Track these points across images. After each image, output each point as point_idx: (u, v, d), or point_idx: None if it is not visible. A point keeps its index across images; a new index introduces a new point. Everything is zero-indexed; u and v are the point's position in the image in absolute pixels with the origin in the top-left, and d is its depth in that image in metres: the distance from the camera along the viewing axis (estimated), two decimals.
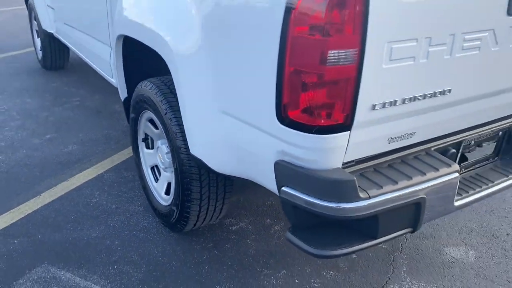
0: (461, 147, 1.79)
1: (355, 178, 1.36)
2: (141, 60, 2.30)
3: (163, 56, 1.87)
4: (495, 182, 1.84)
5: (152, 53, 1.99)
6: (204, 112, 1.75)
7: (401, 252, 2.37)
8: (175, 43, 1.77)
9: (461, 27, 1.44)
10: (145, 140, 2.50)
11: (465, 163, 1.90)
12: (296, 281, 2.15)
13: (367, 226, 1.50)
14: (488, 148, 1.99)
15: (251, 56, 1.47)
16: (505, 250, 2.42)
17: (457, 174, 1.56)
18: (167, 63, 1.85)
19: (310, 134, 1.36)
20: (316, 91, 1.30)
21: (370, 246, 1.52)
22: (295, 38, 1.27)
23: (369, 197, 1.37)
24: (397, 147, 1.56)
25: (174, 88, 1.89)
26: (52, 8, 4.22)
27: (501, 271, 2.26)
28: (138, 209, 2.63)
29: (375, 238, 1.50)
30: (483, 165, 1.98)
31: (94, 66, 3.45)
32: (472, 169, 1.93)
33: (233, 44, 1.55)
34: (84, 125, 3.72)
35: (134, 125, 2.48)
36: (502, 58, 1.64)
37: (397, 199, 1.42)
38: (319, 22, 1.23)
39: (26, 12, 5.40)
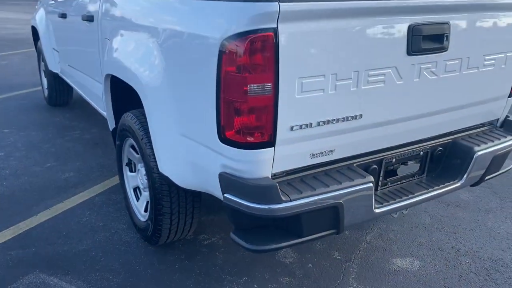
0: (383, 164, 2.13)
1: (277, 184, 1.70)
2: (125, 95, 2.69)
3: (136, 89, 2.26)
4: (415, 194, 2.16)
5: (131, 88, 2.38)
6: (168, 136, 2.12)
7: (352, 262, 2.66)
8: (144, 79, 2.16)
9: (365, 65, 1.81)
10: (128, 164, 2.86)
11: (392, 178, 2.23)
12: (255, 285, 2.45)
13: (293, 226, 1.82)
14: (415, 166, 2.32)
15: (198, 89, 1.84)
16: (447, 260, 2.70)
17: (371, 185, 1.89)
18: (140, 95, 2.24)
19: (243, 150, 1.72)
20: (244, 116, 1.66)
21: (296, 244, 1.84)
22: (226, 75, 1.65)
23: (290, 200, 1.71)
24: (320, 162, 1.90)
25: None
26: (57, 51, 4.70)
27: (439, 278, 2.54)
28: (122, 227, 2.96)
29: (301, 237, 1.83)
30: (410, 180, 2.31)
31: (91, 101, 3.87)
32: (399, 183, 2.26)
33: (185, 79, 1.93)
34: (82, 155, 4.11)
35: (119, 151, 2.85)
36: (409, 90, 2.00)
37: (314, 202, 1.75)
38: (242, 63, 1.60)
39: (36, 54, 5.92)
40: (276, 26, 1.58)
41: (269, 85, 1.62)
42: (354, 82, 1.81)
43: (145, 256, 2.67)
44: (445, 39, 2.01)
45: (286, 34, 1.60)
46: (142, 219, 2.70)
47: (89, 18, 3.19)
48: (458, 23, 2.06)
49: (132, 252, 2.70)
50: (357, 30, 1.77)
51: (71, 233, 2.88)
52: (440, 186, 2.24)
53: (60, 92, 5.36)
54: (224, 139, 1.75)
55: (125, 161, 2.86)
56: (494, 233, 2.98)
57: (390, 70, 1.89)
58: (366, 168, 2.05)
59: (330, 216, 1.84)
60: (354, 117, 1.88)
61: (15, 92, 6.26)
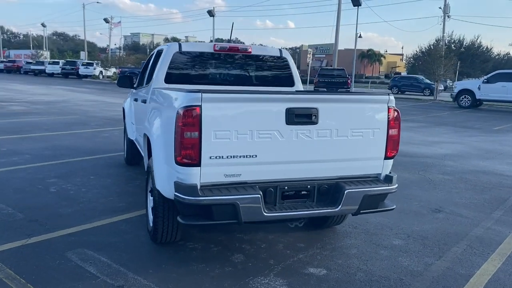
0: (278, 189, 3.50)
1: (197, 185, 3.19)
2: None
3: (149, 138, 3.97)
4: (299, 211, 3.48)
5: None
6: (160, 164, 3.72)
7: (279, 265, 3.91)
8: (152, 131, 3.86)
9: (256, 127, 3.30)
10: (150, 191, 4.48)
11: (288, 199, 3.56)
12: (207, 268, 3.81)
13: (209, 213, 3.26)
14: (306, 194, 3.63)
15: (168, 134, 3.45)
16: (349, 267, 3.83)
17: (258, 196, 3.28)
18: (151, 141, 3.92)
19: (184, 167, 3.25)
20: (184, 149, 3.22)
21: (210, 224, 3.26)
22: (177, 126, 3.25)
23: (204, 196, 3.18)
24: (231, 181, 3.35)
25: None
26: (133, 123, 6.73)
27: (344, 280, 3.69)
28: (143, 233, 4.52)
29: (213, 220, 3.25)
30: (301, 203, 3.60)
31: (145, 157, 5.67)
32: (293, 203, 3.57)
33: (165, 129, 3.57)
34: (135, 195, 5.85)
35: (146, 183, 4.50)
36: (290, 144, 3.42)
37: (219, 200, 3.20)
38: (184, 121, 3.20)
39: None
40: (200, 104, 3.18)
41: (196, 133, 3.19)
42: (249, 136, 3.30)
43: (149, 246, 4.19)
44: (314, 117, 3.44)
45: (206, 108, 3.19)
46: (150, 224, 4.25)
47: (144, 101, 5.08)
48: (326, 107, 3.49)
49: (144, 242, 4.24)
50: (251, 108, 3.31)
51: (112, 232, 4.51)
52: (320, 209, 3.54)
53: (134, 155, 7.35)
54: (176, 162, 3.30)
55: (148, 189, 4.49)
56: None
57: (274, 132, 3.36)
58: (265, 189, 3.45)
59: (231, 210, 3.25)
60: (251, 156, 3.34)
61: (107, 154, 8.44)
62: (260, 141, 3.35)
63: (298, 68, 39.26)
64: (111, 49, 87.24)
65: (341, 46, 51.06)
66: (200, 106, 3.18)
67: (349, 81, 30.99)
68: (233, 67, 5.37)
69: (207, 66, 5.28)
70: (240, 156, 3.33)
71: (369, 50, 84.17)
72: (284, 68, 5.43)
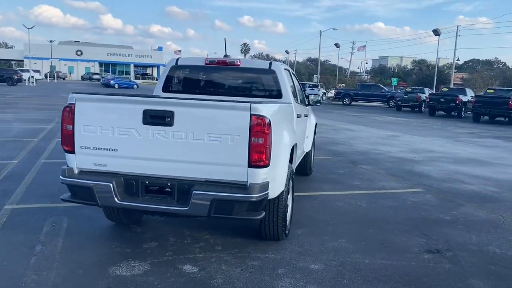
0: (139, 182, 3.86)
1: (73, 168, 3.90)
2: None
3: None
4: (150, 203, 3.77)
5: None
6: None
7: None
8: None
9: (117, 125, 3.79)
10: None
11: (150, 193, 3.87)
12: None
13: (76, 194, 3.92)
14: (168, 191, 3.85)
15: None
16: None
17: (110, 184, 3.75)
18: None
19: (67, 154, 4.01)
20: (63, 138, 3.98)
21: (74, 203, 3.92)
22: (61, 120, 4.04)
23: (72, 178, 3.87)
24: (100, 169, 3.91)
25: None
26: None
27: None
28: None
29: (80, 199, 3.90)
30: (163, 198, 3.85)
31: None
32: (154, 197, 3.86)
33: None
34: None
35: None
36: (147, 142, 3.76)
37: (81, 183, 3.84)
38: (65, 116, 3.97)
39: None
40: (74, 102, 3.90)
41: (70, 126, 3.91)
42: (111, 131, 3.82)
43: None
44: (168, 119, 3.70)
45: (78, 106, 3.88)
46: None
47: None
48: (182, 111, 3.70)
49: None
50: (113, 108, 3.83)
51: None
52: (169, 206, 3.76)
53: None
54: (65, 151, 4.08)
55: None
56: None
57: (132, 130, 3.79)
58: (127, 180, 3.88)
59: (89, 193, 3.83)
60: (112, 149, 3.85)
61: None
62: (120, 137, 3.82)
63: None
64: (359, 73, 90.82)
65: None
66: (74, 104, 3.90)
67: None
68: (224, 79, 5.75)
69: (200, 78, 5.82)
70: (104, 149, 3.87)
71: None
72: (272, 80, 5.46)
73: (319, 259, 4.31)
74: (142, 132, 3.80)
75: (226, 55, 5.75)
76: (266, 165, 3.75)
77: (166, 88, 5.74)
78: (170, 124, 3.74)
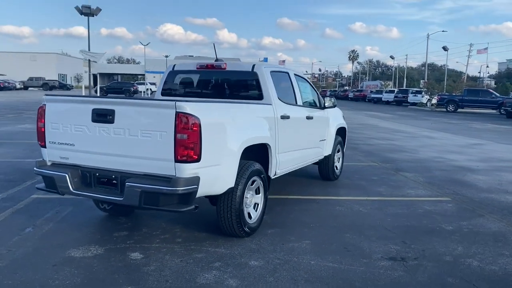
0: (92, 174, 4.28)
1: (46, 160, 4.48)
2: None
3: None
4: (95, 193, 4.18)
5: None
6: None
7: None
8: None
9: (73, 122, 4.28)
10: None
11: (101, 184, 4.27)
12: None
13: (45, 183, 4.49)
14: (116, 183, 4.21)
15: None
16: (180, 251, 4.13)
17: (65, 175, 4.25)
18: None
19: (41, 148, 4.61)
20: (38, 134, 4.59)
21: (46, 191, 4.48)
22: (37, 118, 4.65)
23: (42, 170, 4.46)
24: (64, 162, 4.42)
25: None
26: None
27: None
28: None
29: (48, 188, 4.46)
30: (111, 189, 4.22)
31: None
32: (104, 188, 4.24)
33: None
34: None
35: None
36: (96, 138, 4.18)
37: (44, 173, 4.40)
38: (38, 114, 4.58)
39: None
40: (45, 103, 4.48)
41: (42, 124, 4.50)
42: (69, 128, 4.33)
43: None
44: (110, 117, 4.08)
45: (48, 106, 4.46)
46: None
47: None
48: (121, 109, 4.06)
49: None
50: (71, 108, 4.34)
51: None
52: (108, 195, 4.12)
53: None
54: (39, 145, 4.68)
55: None
56: None
57: (84, 127, 4.24)
58: (83, 172, 4.34)
59: (53, 182, 4.37)
60: (71, 144, 4.34)
61: None
62: (76, 133, 4.29)
63: None
64: (479, 78, 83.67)
65: None
66: (45, 105, 4.48)
67: None
68: (214, 82, 5.97)
69: (192, 81, 6.12)
70: (65, 144, 4.38)
71: None
72: (254, 82, 5.54)
73: (265, 257, 4.34)
74: (91, 129, 4.24)
75: (217, 59, 6.00)
76: (195, 160, 3.93)
77: (164, 91, 6.17)
78: (112, 121, 4.12)
